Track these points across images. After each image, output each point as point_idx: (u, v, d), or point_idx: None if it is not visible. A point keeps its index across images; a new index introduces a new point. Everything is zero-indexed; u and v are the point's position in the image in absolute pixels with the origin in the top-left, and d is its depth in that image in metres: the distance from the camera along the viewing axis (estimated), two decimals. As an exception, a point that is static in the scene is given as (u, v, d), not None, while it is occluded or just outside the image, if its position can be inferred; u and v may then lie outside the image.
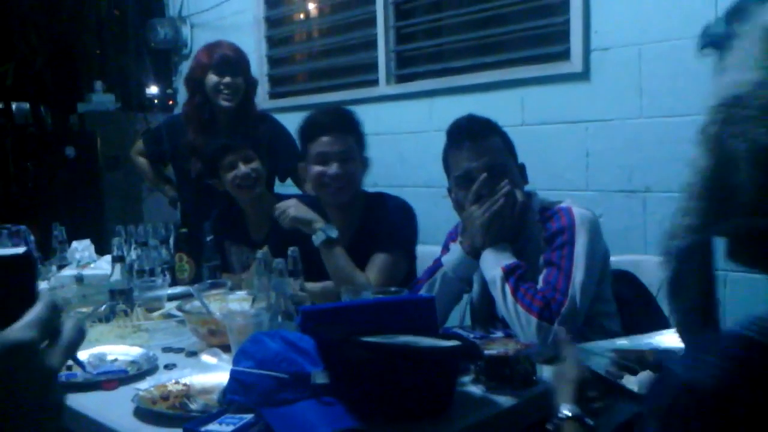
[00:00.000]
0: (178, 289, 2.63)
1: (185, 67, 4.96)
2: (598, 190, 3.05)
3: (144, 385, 1.67)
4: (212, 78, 3.15)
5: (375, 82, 3.94)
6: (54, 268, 2.89)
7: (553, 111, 3.17)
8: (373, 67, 3.95)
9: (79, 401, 1.65)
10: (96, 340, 2.07)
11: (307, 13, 4.53)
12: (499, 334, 1.94)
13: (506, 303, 1.88)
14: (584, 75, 3.06)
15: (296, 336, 1.47)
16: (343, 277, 2.27)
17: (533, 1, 3.29)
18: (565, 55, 3.14)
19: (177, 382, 1.63)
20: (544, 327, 1.82)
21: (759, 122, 0.70)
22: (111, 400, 1.65)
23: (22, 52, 5.69)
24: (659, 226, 0.82)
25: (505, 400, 1.56)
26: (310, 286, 2.20)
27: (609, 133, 3.01)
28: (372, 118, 3.82)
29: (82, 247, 3.07)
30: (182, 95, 4.93)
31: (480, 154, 2.03)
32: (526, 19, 3.33)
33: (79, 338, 0.65)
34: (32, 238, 3.13)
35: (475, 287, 2.17)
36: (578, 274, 1.86)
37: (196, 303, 2.11)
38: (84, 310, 2.33)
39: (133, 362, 1.86)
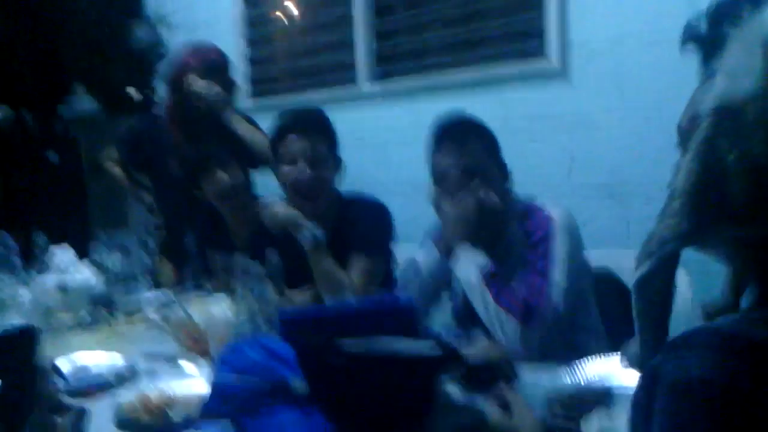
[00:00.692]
0: (159, 294, 2.62)
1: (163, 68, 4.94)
2: (579, 189, 3.06)
3: (125, 394, 1.67)
4: (193, 79, 3.11)
5: (354, 80, 3.94)
6: (35, 274, 2.87)
7: (533, 108, 3.18)
8: (351, 65, 3.94)
9: (59, 412, 1.64)
10: (77, 347, 2.06)
11: (285, 12, 4.52)
12: (480, 335, 1.94)
13: (486, 307, 1.88)
14: (562, 72, 3.07)
15: (276, 343, 1.47)
16: (329, 280, 2.26)
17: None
18: (540, 51, 3.14)
19: (158, 392, 1.62)
20: (525, 331, 1.82)
21: (753, 134, 0.71)
22: (93, 409, 1.64)
23: (1, 55, 5.64)
24: (642, 225, 0.84)
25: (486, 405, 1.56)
26: (294, 296, 2.19)
27: (590, 132, 3.02)
28: (352, 116, 3.83)
29: (61, 253, 3.04)
30: (160, 96, 4.91)
31: (459, 154, 2.02)
32: (504, 14, 3.34)
33: None
34: (13, 244, 3.10)
35: (456, 288, 2.17)
36: (558, 277, 1.86)
37: (177, 308, 2.10)
38: (65, 317, 2.32)
39: (114, 371, 1.85)
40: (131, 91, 5.37)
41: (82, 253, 3.09)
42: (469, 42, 3.50)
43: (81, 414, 1.42)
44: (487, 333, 1.90)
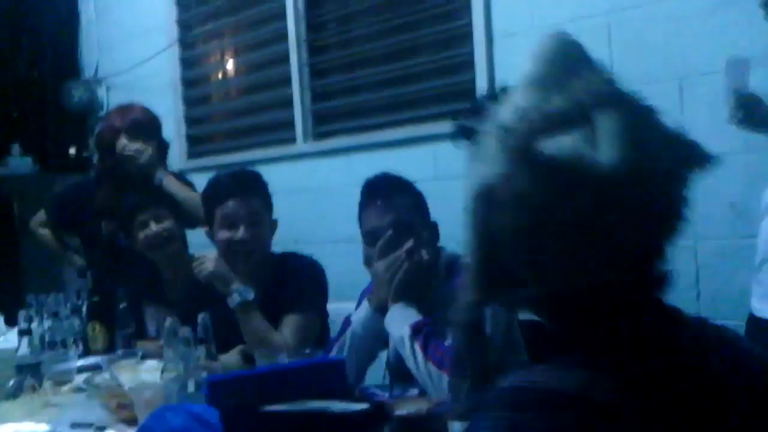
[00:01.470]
0: (89, 360, 2.56)
1: (100, 128, 4.92)
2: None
3: (49, 465, 1.62)
4: (123, 142, 3.09)
5: (293, 140, 3.97)
6: (-40, 342, 2.79)
7: (464, 165, 3.24)
8: (290, 125, 3.98)
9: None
10: (2, 417, 2.00)
11: (224, 73, 4.55)
12: (415, 391, 1.95)
13: (416, 361, 1.89)
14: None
15: (202, 408, 1.45)
16: (260, 339, 2.25)
17: (442, 61, 3.40)
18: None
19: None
20: (456, 383, 1.83)
21: (507, 208, 0.81)
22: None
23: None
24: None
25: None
26: (226, 358, 2.17)
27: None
28: (290, 175, 3.85)
29: (-11, 320, 2.97)
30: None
31: (388, 212, 2.06)
32: (435, 77, 3.43)
33: None
34: (-61, 311, 3.02)
35: (391, 345, 2.18)
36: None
37: (107, 375, 2.07)
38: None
39: (39, 441, 1.81)
40: (70, 150, 5.32)
41: (11, 319, 3.02)
42: (404, 103, 3.57)
43: None
44: (421, 389, 1.91)
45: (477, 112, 0.88)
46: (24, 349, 2.29)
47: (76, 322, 2.75)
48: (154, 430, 1.38)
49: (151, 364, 2.19)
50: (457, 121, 0.93)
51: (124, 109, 3.23)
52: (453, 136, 0.94)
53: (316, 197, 3.82)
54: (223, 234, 2.36)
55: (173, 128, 4.35)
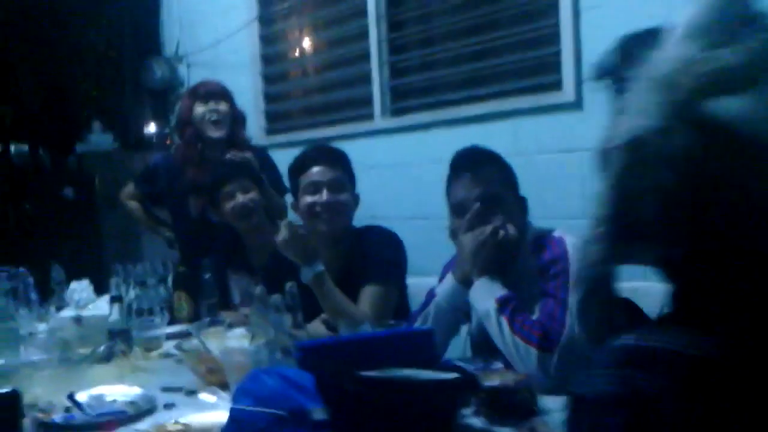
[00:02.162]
0: (176, 328, 2.63)
1: (180, 107, 5.00)
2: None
3: (143, 425, 1.67)
4: (198, 109, 3.20)
5: (370, 117, 3.97)
6: (53, 309, 2.88)
7: (547, 140, 3.19)
8: (368, 101, 3.98)
9: (78, 443, 1.64)
10: (95, 380, 2.05)
11: (302, 50, 4.57)
12: (499, 365, 1.93)
13: (503, 336, 1.87)
14: (577, 104, 3.08)
15: (295, 372, 1.46)
16: (336, 310, 2.26)
17: (525, 34, 3.33)
18: (557, 85, 3.16)
19: (176, 422, 1.62)
20: (544, 357, 1.81)
21: (658, 165, 0.77)
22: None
23: (20, 94, 5.73)
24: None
25: (506, 432, 1.55)
26: (311, 326, 2.19)
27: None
28: (368, 151, 3.85)
29: (80, 288, 3.05)
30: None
31: (476, 185, 2.04)
32: (517, 50, 3.37)
33: None
34: (30, 280, 3.13)
35: (474, 319, 2.17)
36: (575, 303, 1.86)
37: (195, 342, 2.11)
38: (83, 351, 2.32)
39: (132, 403, 1.85)
40: (150, 127, 5.43)
41: (99, 288, 3.11)
42: (483, 78, 3.52)
43: None
44: (506, 363, 1.90)
45: (624, 58, 0.84)
46: (115, 315, 2.36)
47: (162, 291, 2.82)
48: (251, 392, 1.40)
49: (238, 331, 2.22)
50: (600, 64, 0.89)
51: (198, 84, 3.36)
52: (594, 78, 0.90)
53: (393, 174, 3.82)
54: (307, 199, 2.39)
55: (252, 105, 4.40)
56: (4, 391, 0.63)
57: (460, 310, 2.11)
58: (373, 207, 3.01)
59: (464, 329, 2.24)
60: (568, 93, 3.11)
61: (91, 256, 5.15)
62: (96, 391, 1.92)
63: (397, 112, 3.91)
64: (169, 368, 2.20)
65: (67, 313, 2.78)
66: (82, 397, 1.85)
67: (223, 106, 3.25)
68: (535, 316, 1.89)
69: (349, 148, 2.58)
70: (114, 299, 2.39)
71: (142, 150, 5.41)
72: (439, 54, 3.74)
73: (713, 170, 0.75)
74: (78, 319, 2.66)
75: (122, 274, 2.74)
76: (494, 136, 3.19)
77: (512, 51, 3.39)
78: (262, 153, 3.40)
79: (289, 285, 1.97)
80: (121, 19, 5.44)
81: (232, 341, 2.13)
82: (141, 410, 1.80)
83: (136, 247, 5.28)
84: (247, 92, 4.38)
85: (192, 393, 1.95)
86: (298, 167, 2.46)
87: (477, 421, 1.60)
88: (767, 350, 0.76)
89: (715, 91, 0.75)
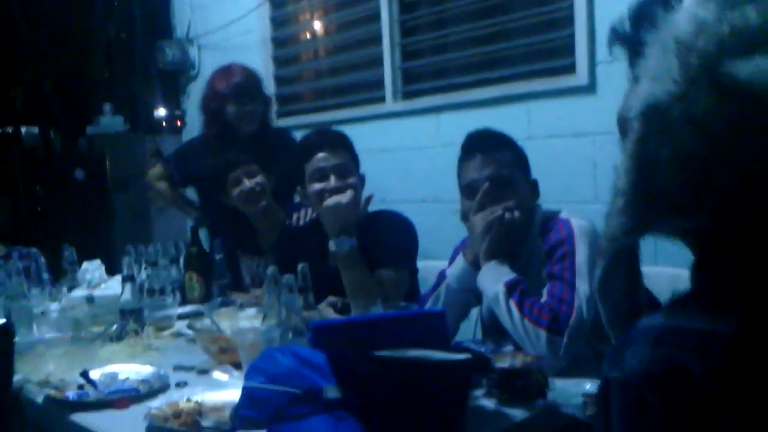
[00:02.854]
0: (188, 308, 2.64)
1: (193, 88, 5.00)
2: (606, 202, 3.04)
3: (156, 403, 1.67)
4: (232, 108, 3.21)
5: (382, 99, 3.96)
6: (65, 289, 2.90)
7: (559, 124, 3.18)
8: (379, 84, 3.96)
9: (90, 420, 1.66)
10: (107, 359, 2.07)
11: (313, 32, 4.56)
12: (510, 347, 1.93)
13: (512, 318, 1.87)
14: (590, 88, 3.07)
15: (308, 351, 1.47)
16: (361, 287, 2.27)
17: (538, 16, 3.31)
18: (570, 68, 3.15)
19: (189, 400, 1.63)
20: (553, 339, 1.82)
21: (678, 132, 0.74)
22: (123, 418, 1.65)
23: (30, 76, 5.74)
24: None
25: (518, 413, 1.56)
26: (322, 307, 2.19)
27: (616, 145, 3.00)
28: (379, 134, 3.85)
29: (92, 268, 3.07)
30: (191, 116, 4.97)
31: (487, 166, 2.04)
32: (531, 33, 3.35)
33: None
34: (42, 260, 3.15)
35: (484, 301, 2.17)
36: (582, 285, 1.86)
37: (207, 321, 2.12)
38: (95, 329, 2.34)
39: (144, 381, 1.86)
40: (160, 110, 5.44)
41: (109, 269, 3.13)
42: (496, 60, 3.51)
43: None
44: (516, 345, 1.90)
45: (639, 17, 0.81)
46: (127, 295, 2.37)
47: (174, 271, 2.84)
48: (264, 370, 1.40)
49: (250, 311, 2.23)
50: (615, 28, 0.87)
51: (226, 72, 3.33)
52: (609, 43, 0.88)
53: (404, 157, 3.81)
54: (316, 186, 2.38)
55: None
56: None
57: (470, 292, 2.11)
58: (384, 190, 3.02)
59: (474, 312, 2.25)
60: (581, 76, 3.09)
61: (101, 238, 5.17)
62: (109, 369, 1.94)
63: (408, 95, 3.90)
64: (181, 348, 2.21)
65: (79, 292, 2.80)
66: (95, 374, 1.86)
67: (257, 104, 3.28)
68: (543, 299, 1.90)
69: (360, 131, 2.58)
70: (126, 279, 2.40)
71: (152, 132, 5.42)
72: (451, 36, 3.72)
73: (736, 135, 0.72)
74: (90, 299, 2.67)
75: (134, 254, 2.75)
76: (507, 120, 3.18)
77: (525, 34, 3.37)
78: (286, 136, 3.43)
79: (301, 266, 1.98)
80: (132, 1, 5.43)
81: (244, 321, 2.14)
82: (153, 388, 1.81)
83: (147, 229, 5.30)
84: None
85: (204, 372, 1.96)
86: (302, 154, 2.45)
87: (488, 403, 1.60)
88: None
89: (736, 52, 0.72)
